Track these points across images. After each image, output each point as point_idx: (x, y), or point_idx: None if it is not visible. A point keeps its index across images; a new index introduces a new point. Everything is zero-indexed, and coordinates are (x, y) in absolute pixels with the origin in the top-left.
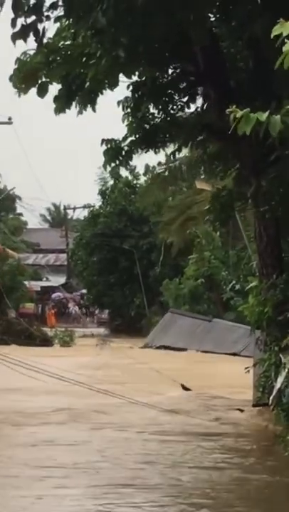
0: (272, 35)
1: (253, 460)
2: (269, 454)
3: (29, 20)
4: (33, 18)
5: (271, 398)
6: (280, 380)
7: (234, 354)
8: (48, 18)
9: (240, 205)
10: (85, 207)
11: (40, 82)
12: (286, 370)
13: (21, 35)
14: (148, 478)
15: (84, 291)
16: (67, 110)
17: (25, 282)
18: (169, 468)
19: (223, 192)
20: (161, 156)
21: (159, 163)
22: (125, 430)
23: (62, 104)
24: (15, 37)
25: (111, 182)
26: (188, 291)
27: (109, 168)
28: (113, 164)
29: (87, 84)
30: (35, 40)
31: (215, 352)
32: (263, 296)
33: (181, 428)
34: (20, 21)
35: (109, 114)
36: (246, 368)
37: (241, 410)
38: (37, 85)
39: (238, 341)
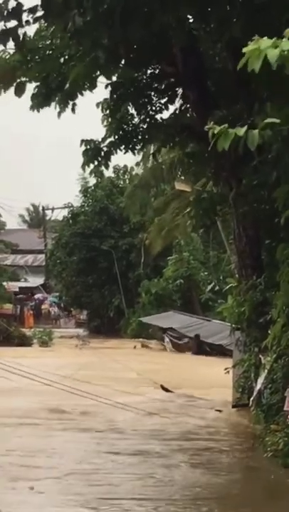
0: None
1: (233, 460)
2: (249, 455)
3: (9, 24)
4: (13, 22)
5: (251, 399)
6: (260, 380)
7: (220, 345)
8: (27, 22)
9: (221, 210)
10: (65, 207)
11: (18, 81)
12: (266, 370)
13: (1, 39)
14: (124, 482)
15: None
16: (47, 109)
17: (4, 283)
18: (147, 468)
19: (204, 194)
20: (140, 158)
21: (137, 164)
22: (105, 431)
23: (39, 102)
24: None
25: (92, 181)
26: (158, 293)
27: (88, 169)
28: (92, 165)
29: (67, 85)
30: (15, 45)
31: (205, 341)
32: (243, 297)
33: (160, 429)
34: (0, 25)
35: (87, 114)
36: (226, 369)
37: (220, 411)
38: (15, 84)
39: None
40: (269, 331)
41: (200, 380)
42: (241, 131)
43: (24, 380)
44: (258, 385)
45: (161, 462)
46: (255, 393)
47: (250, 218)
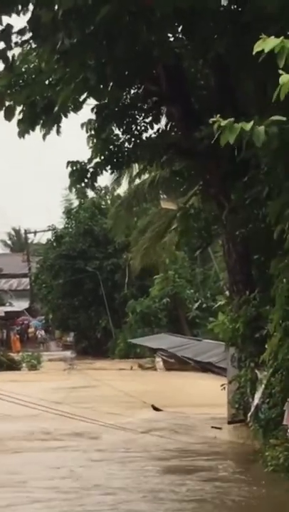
0: (254, 52)
1: (234, 476)
2: (248, 470)
3: None
4: (2, 45)
5: (249, 414)
6: (257, 395)
7: (209, 363)
8: (16, 44)
9: (215, 229)
10: (49, 229)
11: (6, 105)
12: (263, 385)
13: None
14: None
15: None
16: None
17: None
18: (148, 485)
19: (191, 211)
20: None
21: (119, 185)
22: (100, 452)
23: (26, 127)
24: None
25: (76, 203)
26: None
27: (74, 190)
28: (78, 186)
29: (56, 109)
30: (5, 67)
31: (194, 360)
32: (236, 313)
33: (156, 449)
34: None
35: (70, 136)
36: (222, 385)
37: (218, 428)
38: (3, 109)
39: (215, 355)
40: (265, 346)
41: (192, 398)
42: (247, 125)
43: (16, 404)
44: (256, 400)
45: (159, 480)
46: (252, 408)
47: (241, 235)
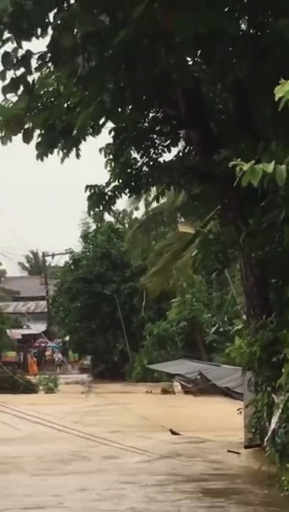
0: (276, 98)
1: (250, 501)
2: (265, 495)
3: (18, 72)
4: (22, 70)
5: (266, 439)
6: (274, 420)
7: (227, 388)
8: (36, 69)
9: (232, 253)
10: (67, 252)
11: (25, 127)
12: (280, 410)
13: (12, 88)
14: None
15: (65, 338)
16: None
17: (7, 331)
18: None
19: (210, 236)
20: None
21: (137, 208)
22: (120, 476)
23: (44, 150)
24: (6, 90)
25: (94, 226)
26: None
27: (92, 213)
28: (97, 209)
29: (74, 132)
30: (25, 92)
31: (211, 384)
32: (253, 337)
33: (173, 472)
34: (10, 74)
35: (87, 159)
36: (238, 410)
37: (236, 453)
38: (22, 131)
39: (233, 380)
40: (282, 370)
41: (209, 422)
42: (269, 167)
43: (38, 426)
44: (272, 425)
45: (178, 504)
46: (269, 433)
47: (259, 259)
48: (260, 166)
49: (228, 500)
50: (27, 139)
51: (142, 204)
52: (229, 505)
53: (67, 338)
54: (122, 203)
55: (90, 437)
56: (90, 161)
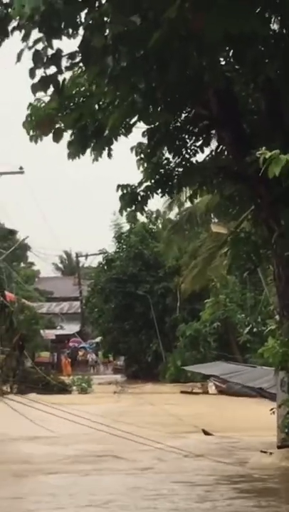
0: None
1: (285, 501)
2: None
3: (48, 71)
4: (53, 68)
5: None
6: None
7: (260, 389)
8: (67, 68)
9: (265, 253)
10: (100, 253)
11: (56, 127)
12: None
13: (42, 86)
14: None
15: (98, 339)
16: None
17: (41, 331)
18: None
19: (241, 234)
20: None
21: (171, 209)
22: (154, 474)
23: (76, 149)
24: (35, 88)
25: (126, 227)
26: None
27: (125, 213)
28: (129, 209)
29: (106, 132)
30: (56, 91)
31: (242, 384)
32: (285, 337)
33: (207, 472)
34: (40, 72)
35: (118, 160)
36: (271, 409)
37: (269, 453)
38: (53, 131)
39: (267, 381)
40: None
41: (242, 423)
42: None
43: (75, 425)
44: None
45: (214, 504)
46: None
47: None
48: (285, 156)
49: (280, 499)
50: (57, 138)
51: (175, 204)
52: (280, 504)
53: (97, 339)
54: (155, 203)
55: (128, 436)
56: (121, 162)
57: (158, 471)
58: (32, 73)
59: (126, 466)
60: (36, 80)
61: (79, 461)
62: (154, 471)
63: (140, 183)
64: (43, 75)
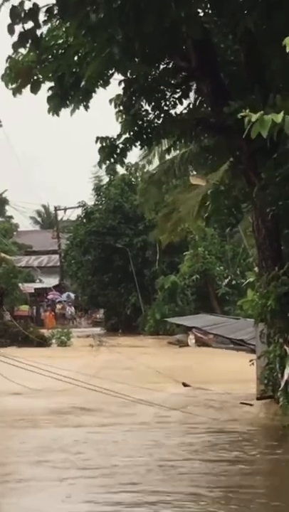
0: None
1: (264, 451)
2: (279, 446)
3: (26, 26)
4: (30, 24)
5: (280, 390)
6: (287, 371)
7: (241, 340)
8: (45, 22)
9: (246, 207)
10: (79, 206)
11: (33, 79)
12: None
13: (21, 42)
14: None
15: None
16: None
17: (19, 285)
18: (179, 461)
19: (221, 187)
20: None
21: (150, 162)
22: (131, 427)
23: (56, 104)
24: (16, 46)
25: (105, 180)
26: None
27: (104, 166)
28: (108, 162)
29: (83, 83)
30: (34, 46)
31: (226, 337)
32: (264, 289)
33: (186, 424)
34: (18, 28)
35: (96, 112)
36: (250, 361)
37: (249, 404)
38: (30, 83)
39: (248, 333)
40: None
41: (222, 374)
42: (278, 117)
43: (49, 380)
44: (285, 376)
45: (189, 456)
46: (282, 384)
47: (271, 212)
48: (269, 116)
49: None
50: (35, 89)
51: (154, 157)
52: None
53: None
54: (135, 156)
55: (103, 390)
56: (100, 117)
57: (141, 423)
58: (11, 29)
59: (100, 420)
60: (15, 37)
61: (51, 413)
62: (137, 423)
63: (119, 136)
64: (22, 30)
